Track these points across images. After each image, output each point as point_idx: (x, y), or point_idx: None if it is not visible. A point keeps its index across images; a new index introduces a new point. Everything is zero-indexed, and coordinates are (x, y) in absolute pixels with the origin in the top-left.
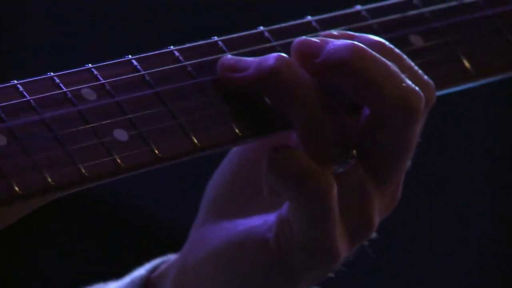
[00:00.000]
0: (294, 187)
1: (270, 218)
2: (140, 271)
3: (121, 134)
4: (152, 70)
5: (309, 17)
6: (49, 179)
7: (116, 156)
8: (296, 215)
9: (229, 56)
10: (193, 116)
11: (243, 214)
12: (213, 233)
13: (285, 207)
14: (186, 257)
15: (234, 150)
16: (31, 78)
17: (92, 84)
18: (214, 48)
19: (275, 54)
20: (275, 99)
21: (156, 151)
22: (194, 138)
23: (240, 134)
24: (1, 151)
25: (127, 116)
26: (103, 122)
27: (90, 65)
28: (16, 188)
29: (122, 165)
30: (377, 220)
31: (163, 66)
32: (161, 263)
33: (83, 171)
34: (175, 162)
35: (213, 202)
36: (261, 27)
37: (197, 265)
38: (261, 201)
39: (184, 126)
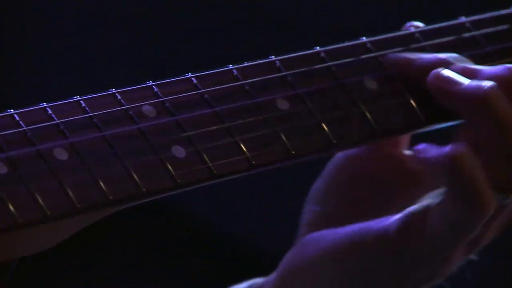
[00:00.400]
0: (469, 197)
1: (389, 219)
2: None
3: (179, 151)
4: (211, 89)
5: (364, 38)
6: (108, 194)
7: (173, 173)
8: (448, 219)
9: (445, 69)
10: (249, 134)
11: (353, 221)
12: (324, 236)
13: (416, 207)
14: (291, 263)
15: (338, 161)
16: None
17: (153, 101)
18: (272, 68)
19: (490, 83)
20: (476, 120)
21: (212, 168)
22: (249, 156)
23: (292, 152)
24: (62, 165)
25: (186, 134)
26: (162, 139)
27: (151, 82)
28: (76, 202)
29: (179, 181)
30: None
31: (222, 85)
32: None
33: (141, 186)
34: (230, 178)
35: (320, 212)
36: (318, 48)
37: (307, 265)
38: (374, 208)
39: (240, 144)
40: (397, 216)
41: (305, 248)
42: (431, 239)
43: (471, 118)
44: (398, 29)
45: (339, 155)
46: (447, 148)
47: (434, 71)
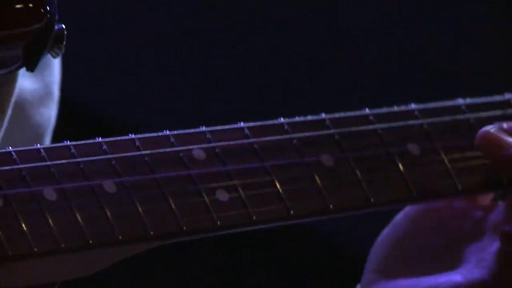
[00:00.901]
0: None
1: (457, 277)
2: None
3: (222, 195)
4: (261, 139)
5: (412, 105)
6: (150, 229)
7: (214, 215)
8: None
9: (492, 130)
10: (291, 186)
11: (413, 273)
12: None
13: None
14: None
15: (404, 216)
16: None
17: (204, 146)
18: (321, 125)
19: None
20: None
21: (251, 214)
22: (289, 206)
23: (330, 206)
24: (110, 198)
25: (232, 181)
26: (208, 183)
27: (204, 127)
28: (118, 234)
29: (218, 223)
30: None
31: (272, 136)
32: None
33: (182, 225)
34: (267, 226)
35: (385, 262)
36: (367, 110)
37: None
38: (433, 263)
39: (282, 195)
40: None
41: None
42: None
43: None
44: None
45: (412, 208)
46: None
47: (482, 131)
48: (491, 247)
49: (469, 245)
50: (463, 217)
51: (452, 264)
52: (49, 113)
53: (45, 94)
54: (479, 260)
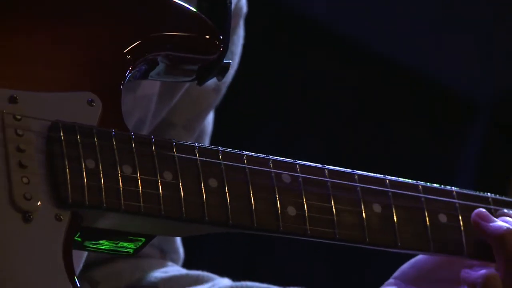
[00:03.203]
0: None
1: None
2: None
3: (292, 210)
4: (334, 180)
5: (489, 195)
6: (231, 219)
7: (280, 223)
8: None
9: (483, 209)
10: (344, 218)
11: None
12: None
13: None
14: None
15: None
16: None
17: (291, 173)
18: (382, 183)
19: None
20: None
21: (308, 230)
22: (336, 232)
23: (367, 240)
24: (213, 191)
25: (303, 201)
26: (285, 198)
27: (292, 160)
28: (206, 217)
29: (281, 229)
30: None
31: (343, 181)
32: None
33: (255, 223)
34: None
35: (405, 275)
36: (419, 182)
37: None
38: (431, 284)
39: (335, 222)
40: None
41: None
42: None
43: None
44: None
45: None
46: (483, 270)
47: (477, 210)
48: None
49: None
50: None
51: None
52: (211, 119)
53: (216, 101)
54: None
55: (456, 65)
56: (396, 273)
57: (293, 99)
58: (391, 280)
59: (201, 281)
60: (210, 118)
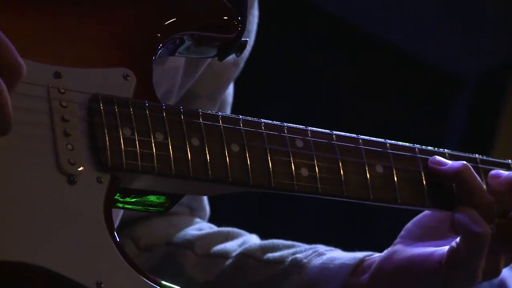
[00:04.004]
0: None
1: (442, 250)
2: (357, 255)
3: (304, 171)
4: (340, 143)
5: (476, 155)
6: (251, 180)
7: (295, 182)
8: (465, 249)
9: (437, 156)
10: (351, 177)
11: (424, 245)
12: (405, 250)
13: (454, 244)
14: (384, 261)
15: (424, 213)
16: None
17: (304, 138)
18: (383, 146)
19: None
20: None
21: (320, 188)
22: (344, 190)
23: (371, 198)
24: (235, 155)
25: (314, 164)
26: (298, 160)
27: (304, 126)
28: (230, 178)
29: (296, 188)
30: (502, 266)
31: (349, 144)
32: (368, 255)
33: (272, 183)
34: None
35: (412, 231)
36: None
37: (389, 271)
38: (436, 239)
39: (343, 180)
40: (441, 251)
41: (393, 254)
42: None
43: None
44: None
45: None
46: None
47: (431, 157)
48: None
49: (449, 234)
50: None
51: (439, 243)
52: (231, 90)
53: (236, 74)
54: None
55: (443, 44)
56: (402, 233)
57: (296, 80)
58: (398, 239)
59: (232, 237)
60: (230, 89)
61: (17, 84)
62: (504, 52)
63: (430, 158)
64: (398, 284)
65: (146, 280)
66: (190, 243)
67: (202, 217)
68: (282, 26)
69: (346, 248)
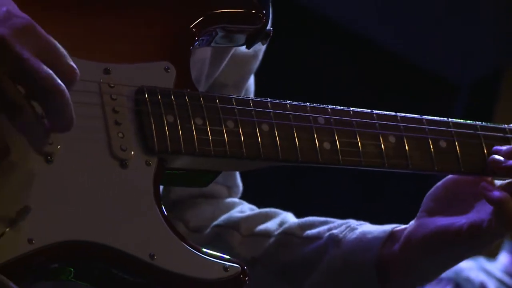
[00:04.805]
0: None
1: (462, 220)
2: (386, 228)
3: (327, 145)
4: (357, 119)
5: (477, 123)
6: (281, 156)
7: (319, 155)
8: (495, 223)
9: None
10: (368, 149)
11: (445, 215)
12: (427, 223)
13: (473, 215)
14: (411, 234)
15: (442, 182)
16: None
17: (325, 116)
18: (395, 119)
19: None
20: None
21: (340, 160)
22: (362, 160)
23: (386, 164)
24: (265, 134)
25: (335, 139)
26: (321, 136)
27: (324, 105)
28: (262, 155)
29: (320, 160)
30: None
31: (365, 119)
32: (395, 227)
33: (299, 157)
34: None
35: (429, 205)
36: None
37: (419, 239)
38: (455, 210)
39: (361, 153)
40: (465, 220)
41: (418, 227)
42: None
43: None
44: None
45: (446, 178)
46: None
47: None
48: (487, 206)
49: (476, 203)
50: (474, 186)
51: (464, 212)
52: (252, 80)
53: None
54: (479, 211)
55: (441, 51)
56: (421, 208)
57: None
58: (419, 213)
59: (271, 216)
60: (252, 80)
61: (73, 87)
62: (497, 58)
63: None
64: (426, 252)
65: (192, 250)
66: (236, 225)
67: (236, 192)
68: (283, 27)
69: (365, 218)
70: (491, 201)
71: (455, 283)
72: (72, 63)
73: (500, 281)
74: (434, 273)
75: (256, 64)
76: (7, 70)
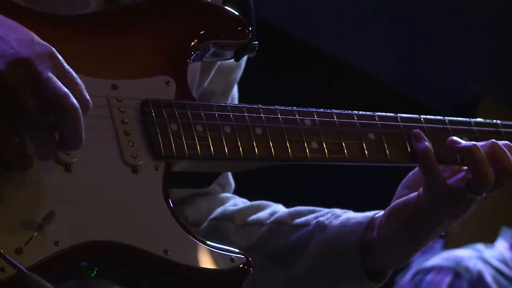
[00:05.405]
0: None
1: (414, 193)
2: (368, 214)
3: (314, 144)
4: (340, 120)
5: (446, 118)
6: (274, 156)
7: (308, 154)
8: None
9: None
10: (350, 147)
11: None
12: (395, 203)
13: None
14: (387, 218)
15: (414, 171)
16: None
17: (311, 118)
18: (372, 118)
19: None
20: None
21: (327, 157)
22: (346, 156)
23: (367, 157)
24: (259, 137)
25: (321, 139)
26: (308, 137)
27: (313, 109)
28: (257, 155)
29: (309, 158)
30: None
31: (346, 120)
32: (376, 213)
33: (290, 156)
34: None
35: (402, 192)
36: (398, 114)
37: (391, 224)
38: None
39: (344, 150)
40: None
41: (390, 213)
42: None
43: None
44: None
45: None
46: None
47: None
48: None
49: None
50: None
51: None
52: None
53: (239, 73)
54: None
55: (419, 77)
56: (395, 195)
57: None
58: (392, 201)
59: (262, 208)
60: (235, 88)
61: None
62: (476, 86)
63: (449, 139)
64: (400, 232)
65: (201, 244)
66: (230, 216)
67: (229, 190)
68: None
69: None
70: (459, 149)
71: (455, 272)
72: (86, 94)
73: (496, 269)
74: (406, 251)
75: (240, 72)
76: (30, 88)
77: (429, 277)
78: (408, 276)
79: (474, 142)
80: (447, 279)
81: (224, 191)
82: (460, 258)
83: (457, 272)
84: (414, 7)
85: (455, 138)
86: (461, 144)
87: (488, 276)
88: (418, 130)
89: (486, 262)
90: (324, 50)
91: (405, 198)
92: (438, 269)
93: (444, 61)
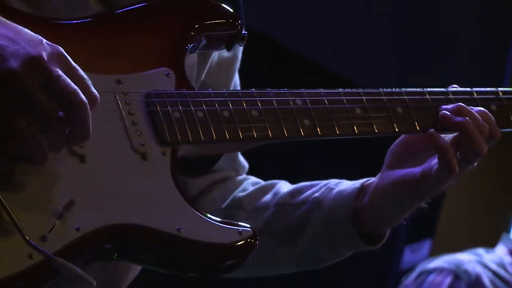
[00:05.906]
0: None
1: (416, 169)
2: (356, 184)
3: (307, 122)
4: (329, 98)
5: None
6: (271, 134)
7: (301, 130)
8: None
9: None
10: (338, 122)
11: (404, 167)
12: (389, 175)
13: (424, 165)
14: (377, 185)
15: (399, 140)
16: None
17: (301, 98)
18: (357, 94)
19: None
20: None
21: (319, 133)
22: (338, 131)
23: (356, 132)
24: (255, 119)
25: (312, 116)
26: (300, 115)
27: (304, 90)
28: (255, 135)
29: (303, 134)
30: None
31: (333, 97)
32: (365, 181)
33: (285, 133)
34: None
35: (390, 160)
36: (381, 89)
37: (383, 189)
38: (412, 163)
39: (335, 126)
40: (419, 169)
41: (382, 179)
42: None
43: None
44: None
45: (403, 136)
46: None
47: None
48: (435, 158)
49: (427, 156)
50: (425, 142)
51: (418, 164)
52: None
53: (237, 64)
54: (430, 162)
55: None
56: (385, 162)
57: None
58: (383, 168)
59: (268, 190)
60: (236, 76)
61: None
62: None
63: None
64: (390, 199)
65: (210, 220)
66: (240, 204)
67: (243, 171)
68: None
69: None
70: (438, 146)
71: (455, 274)
72: (94, 90)
73: (494, 273)
74: (397, 216)
75: (238, 63)
76: (43, 85)
77: (430, 278)
78: (412, 276)
79: (467, 118)
80: (447, 280)
81: (238, 175)
82: (460, 261)
83: (457, 274)
84: (414, 7)
85: (447, 113)
86: (455, 119)
87: (486, 279)
88: (433, 131)
89: (485, 266)
90: (321, 62)
91: (403, 174)
92: (440, 270)
93: (444, 61)
